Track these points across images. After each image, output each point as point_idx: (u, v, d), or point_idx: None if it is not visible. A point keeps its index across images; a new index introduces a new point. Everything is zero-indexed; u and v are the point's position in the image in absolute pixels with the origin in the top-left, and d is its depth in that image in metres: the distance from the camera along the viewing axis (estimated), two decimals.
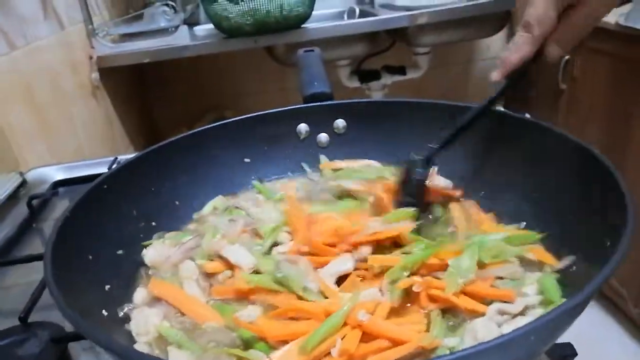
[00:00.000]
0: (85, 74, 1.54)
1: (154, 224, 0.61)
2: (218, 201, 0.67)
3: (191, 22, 1.88)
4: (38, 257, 0.70)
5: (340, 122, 0.73)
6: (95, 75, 1.58)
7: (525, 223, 0.56)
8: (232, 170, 0.68)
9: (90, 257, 0.49)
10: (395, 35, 1.99)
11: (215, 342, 0.44)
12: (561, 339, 0.57)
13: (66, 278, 0.42)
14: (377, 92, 2.13)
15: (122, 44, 1.68)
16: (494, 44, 2.36)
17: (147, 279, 0.55)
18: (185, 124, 2.17)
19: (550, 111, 2.03)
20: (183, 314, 0.48)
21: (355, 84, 2.11)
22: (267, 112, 0.71)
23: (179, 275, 0.52)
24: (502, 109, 0.67)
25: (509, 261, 0.50)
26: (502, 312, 0.46)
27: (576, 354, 0.57)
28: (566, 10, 0.55)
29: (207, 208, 0.66)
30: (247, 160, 0.70)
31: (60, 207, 0.93)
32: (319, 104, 0.72)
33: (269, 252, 0.54)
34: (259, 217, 0.59)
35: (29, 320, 0.58)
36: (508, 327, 0.44)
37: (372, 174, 0.68)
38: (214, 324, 0.45)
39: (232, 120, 0.69)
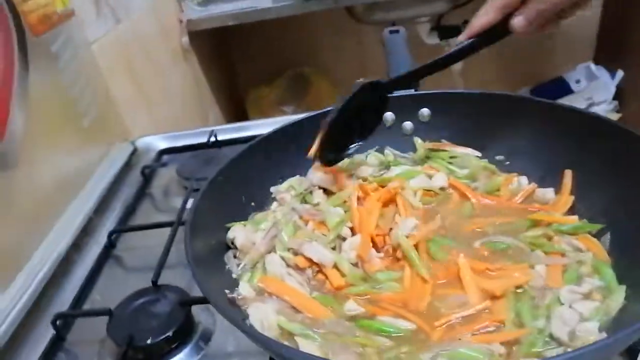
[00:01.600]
0: (176, 39, 1.64)
1: (253, 204, 0.69)
2: (295, 181, 0.73)
3: None
4: (158, 225, 0.83)
5: (425, 111, 0.76)
6: (185, 39, 1.68)
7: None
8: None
9: (213, 242, 0.58)
10: None
11: (335, 333, 0.50)
12: None
13: (201, 261, 0.52)
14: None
15: (209, 6, 1.76)
16: None
17: (235, 263, 0.61)
18: (265, 81, 2.25)
19: None
20: (295, 309, 0.54)
21: (434, 40, 2.06)
22: None
23: (266, 268, 0.59)
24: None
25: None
26: (572, 292, 0.52)
27: None
28: None
29: (284, 185, 0.72)
30: None
31: (167, 174, 1.04)
32: (404, 93, 0.76)
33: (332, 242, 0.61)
34: (325, 209, 0.65)
35: (158, 283, 0.70)
36: (579, 306, 0.50)
37: (473, 164, 0.72)
38: (330, 317, 0.52)
39: (324, 111, 0.74)
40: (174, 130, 1.20)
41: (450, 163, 0.73)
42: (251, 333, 0.44)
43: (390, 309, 0.53)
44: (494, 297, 0.53)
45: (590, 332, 0.47)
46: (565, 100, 2.18)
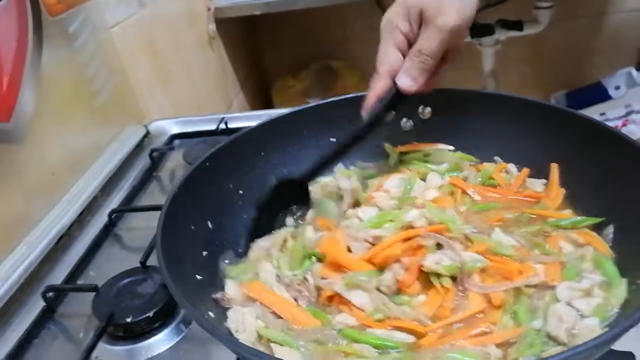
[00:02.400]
0: (203, 26, 1.66)
1: (241, 192, 0.68)
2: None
3: None
4: (157, 208, 0.83)
5: (425, 109, 0.74)
6: (212, 26, 1.69)
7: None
8: (318, 149, 0.73)
9: (193, 227, 0.59)
10: None
11: (317, 341, 0.48)
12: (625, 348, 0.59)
13: (174, 246, 0.52)
14: (488, 47, 2.02)
15: None
16: None
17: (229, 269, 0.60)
18: (292, 72, 2.25)
19: None
20: (278, 316, 0.52)
21: (465, 38, 2.01)
22: (354, 95, 0.74)
23: (260, 276, 0.57)
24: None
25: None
26: (571, 289, 0.51)
27: None
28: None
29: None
30: (332, 139, 0.75)
31: (175, 158, 1.06)
32: None
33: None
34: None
35: (147, 264, 0.71)
36: (579, 304, 0.49)
37: (449, 158, 0.71)
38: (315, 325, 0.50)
39: (322, 103, 0.74)
40: (197, 115, 1.22)
41: (425, 161, 0.72)
42: (208, 326, 0.43)
43: (386, 323, 0.50)
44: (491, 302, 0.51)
45: (592, 329, 0.46)
46: (602, 107, 2.09)
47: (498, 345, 0.46)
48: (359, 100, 0.75)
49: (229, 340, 0.44)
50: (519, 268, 0.53)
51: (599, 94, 2.13)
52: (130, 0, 1.20)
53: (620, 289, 0.49)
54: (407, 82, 0.62)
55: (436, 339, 0.48)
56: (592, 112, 1.99)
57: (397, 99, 0.64)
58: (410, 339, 0.49)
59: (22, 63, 0.80)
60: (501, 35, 1.97)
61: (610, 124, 1.83)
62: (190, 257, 0.56)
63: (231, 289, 0.55)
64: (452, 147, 0.73)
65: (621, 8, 2.18)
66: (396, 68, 0.63)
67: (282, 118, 0.73)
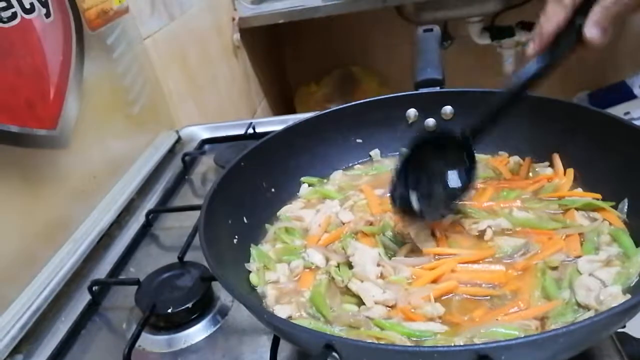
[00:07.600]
0: (228, 36, 1.72)
1: (273, 190, 0.73)
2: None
3: None
4: (191, 208, 0.88)
5: (447, 109, 0.77)
6: (237, 35, 1.75)
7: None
8: (345, 150, 0.77)
9: (230, 221, 0.63)
10: None
11: (350, 325, 0.52)
12: None
13: (213, 239, 0.56)
14: (508, 49, 2.04)
15: (261, 5, 1.82)
16: None
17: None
18: (314, 79, 2.30)
19: None
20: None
21: (485, 40, 2.03)
22: (379, 98, 0.78)
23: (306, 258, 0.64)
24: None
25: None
26: (591, 262, 0.55)
27: None
28: None
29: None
30: (359, 141, 0.79)
31: (206, 162, 1.11)
32: (428, 90, 0.77)
33: None
34: None
35: (184, 260, 0.76)
36: (600, 274, 0.53)
37: None
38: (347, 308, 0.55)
39: (348, 106, 0.78)
40: (223, 121, 1.27)
41: None
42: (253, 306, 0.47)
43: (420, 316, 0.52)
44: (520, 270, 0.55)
45: (615, 296, 0.50)
46: (627, 106, 2.07)
47: (535, 318, 0.49)
48: (383, 103, 0.79)
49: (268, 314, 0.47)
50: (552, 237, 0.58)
51: (623, 93, 2.12)
52: (161, 13, 1.26)
53: (638, 258, 0.53)
54: (596, 35, 0.54)
55: (473, 320, 0.51)
56: (617, 111, 1.98)
57: (565, 48, 0.57)
58: (445, 328, 0.51)
59: (66, 74, 0.85)
60: (521, 37, 1.98)
61: (637, 122, 1.82)
62: (228, 249, 0.60)
63: (269, 295, 0.60)
64: None
65: None
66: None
67: (310, 121, 0.77)
